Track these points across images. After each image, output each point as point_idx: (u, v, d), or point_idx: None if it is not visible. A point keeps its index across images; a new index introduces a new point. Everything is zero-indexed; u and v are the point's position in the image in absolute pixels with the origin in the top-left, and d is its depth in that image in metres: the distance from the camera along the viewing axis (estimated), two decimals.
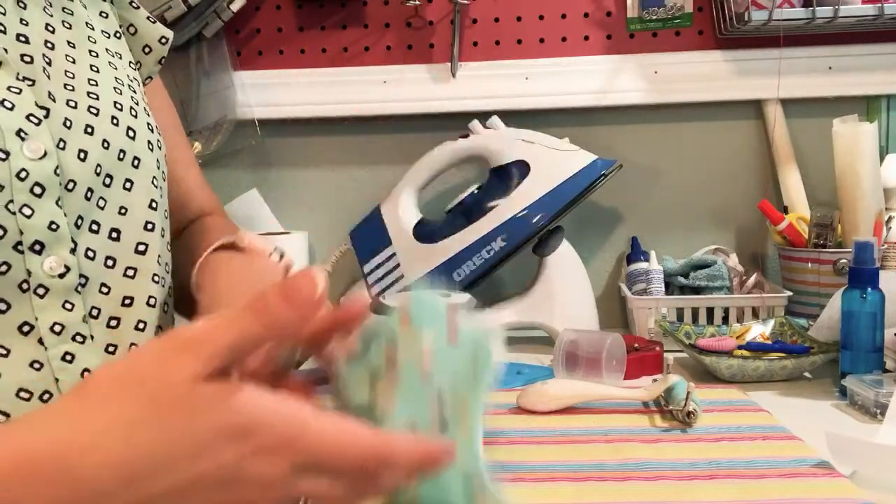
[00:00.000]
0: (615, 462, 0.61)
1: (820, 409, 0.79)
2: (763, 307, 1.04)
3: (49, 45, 0.60)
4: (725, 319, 1.05)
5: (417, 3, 1.19)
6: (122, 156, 0.61)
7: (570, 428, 0.69)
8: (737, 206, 1.23)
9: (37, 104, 0.56)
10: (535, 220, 1.02)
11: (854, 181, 1.04)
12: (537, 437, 0.67)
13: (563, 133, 1.10)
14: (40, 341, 0.56)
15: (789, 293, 1.06)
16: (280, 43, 1.23)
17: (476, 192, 1.07)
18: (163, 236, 0.66)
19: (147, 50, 0.73)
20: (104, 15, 0.68)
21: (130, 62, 0.70)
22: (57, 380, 0.56)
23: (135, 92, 0.67)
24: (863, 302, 0.81)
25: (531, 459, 0.62)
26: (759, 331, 0.97)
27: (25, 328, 0.55)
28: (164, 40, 0.74)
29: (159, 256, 0.65)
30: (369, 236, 1.10)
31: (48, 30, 0.61)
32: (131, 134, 0.63)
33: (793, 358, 0.87)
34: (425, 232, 1.08)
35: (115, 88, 0.63)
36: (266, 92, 1.22)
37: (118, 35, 0.69)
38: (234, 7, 1.15)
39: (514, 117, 1.13)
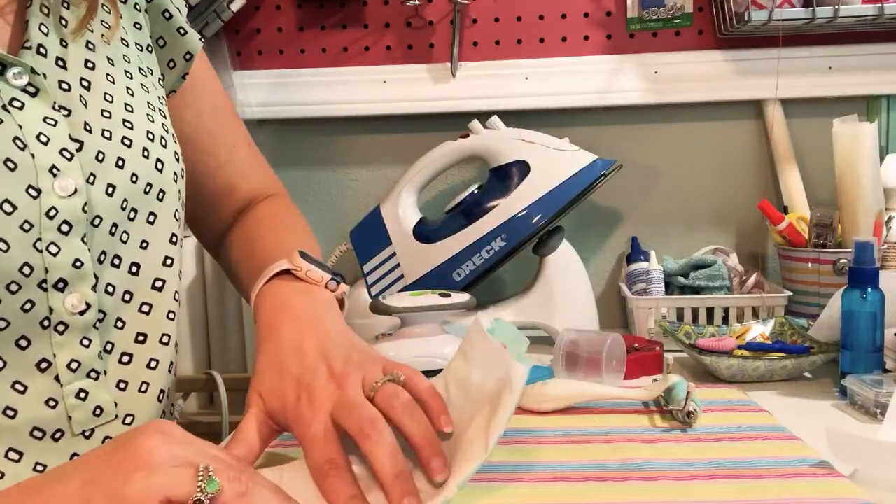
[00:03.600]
0: (615, 462, 0.61)
1: (820, 409, 0.79)
2: (763, 307, 1.04)
3: (90, 65, 0.59)
4: (725, 319, 1.05)
5: (417, 3, 1.19)
6: (148, 189, 0.60)
7: (570, 428, 0.69)
8: (737, 206, 1.23)
9: (70, 137, 0.55)
10: (535, 220, 1.02)
11: (854, 181, 1.04)
12: (537, 437, 0.67)
13: (563, 133, 1.10)
14: (56, 378, 0.55)
15: (789, 293, 1.06)
16: (280, 43, 1.23)
17: (476, 192, 1.07)
18: (179, 272, 0.66)
19: (171, 65, 0.71)
20: (138, 26, 0.66)
21: (159, 78, 0.69)
22: (70, 417, 0.56)
23: (165, 117, 0.65)
24: (863, 302, 0.81)
25: (531, 459, 0.62)
26: (759, 331, 0.97)
27: (43, 365, 0.54)
28: (188, 56, 0.71)
29: (175, 293, 0.64)
30: (369, 236, 1.10)
31: (88, 48, 0.59)
32: (160, 166, 0.62)
33: (793, 358, 0.87)
34: (425, 232, 1.08)
35: (148, 115, 0.62)
36: (266, 92, 1.22)
37: (150, 49, 0.68)
38: (234, 7, 1.16)
39: (514, 117, 1.13)
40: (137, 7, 0.67)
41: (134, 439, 0.43)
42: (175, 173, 0.64)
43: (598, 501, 0.54)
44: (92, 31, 0.60)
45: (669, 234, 1.24)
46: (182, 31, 0.71)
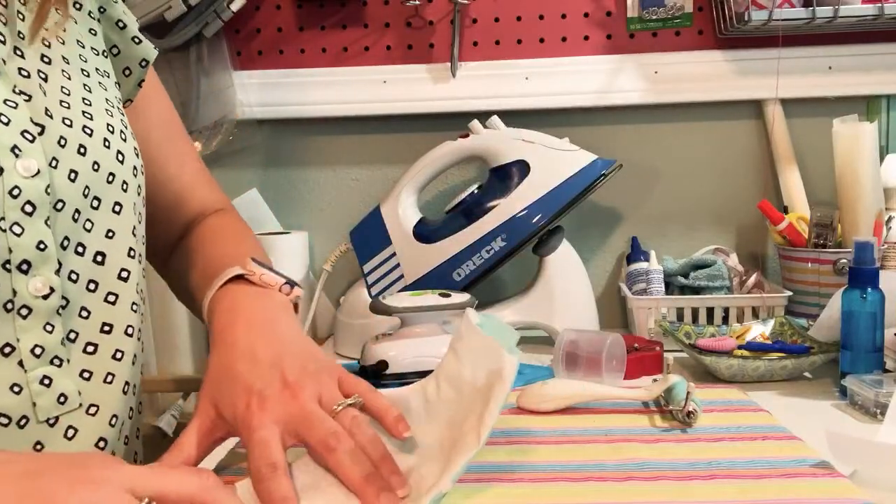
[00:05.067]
0: (615, 462, 0.61)
1: (820, 409, 0.79)
2: (763, 307, 1.04)
3: (46, 59, 0.59)
4: (725, 319, 1.05)
5: (417, 3, 1.19)
6: (111, 179, 0.60)
7: (570, 428, 0.69)
8: (737, 206, 1.23)
9: (32, 120, 0.55)
10: (535, 220, 1.02)
11: (854, 181, 1.04)
12: (537, 437, 0.67)
13: (563, 133, 1.10)
14: (20, 364, 0.55)
15: (789, 293, 1.06)
16: (280, 43, 1.23)
17: (476, 192, 1.07)
18: (140, 263, 0.66)
19: (127, 72, 0.71)
20: (93, 32, 0.67)
21: (117, 82, 0.69)
22: (34, 404, 0.55)
23: (123, 115, 0.66)
24: (863, 302, 0.81)
25: (531, 459, 0.62)
26: (759, 331, 0.97)
27: (7, 349, 0.54)
28: (143, 63, 0.72)
29: (137, 284, 0.64)
30: (369, 236, 1.10)
31: (44, 44, 0.60)
32: (120, 158, 0.62)
33: (793, 358, 0.87)
34: (425, 232, 1.08)
35: (107, 110, 0.62)
36: (266, 92, 1.22)
37: (105, 54, 0.68)
38: (234, 7, 1.16)
39: (514, 117, 1.13)
40: (92, 15, 0.67)
41: (92, 462, 0.45)
42: (135, 167, 0.64)
43: (598, 501, 0.54)
44: (47, 30, 0.60)
45: (669, 234, 1.24)
46: (137, 40, 0.71)
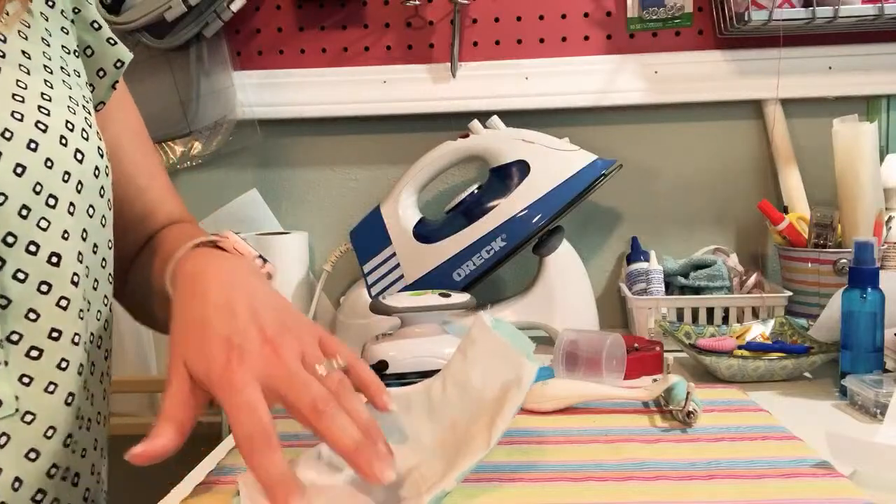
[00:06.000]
0: (615, 462, 0.61)
1: (820, 409, 0.79)
2: (763, 307, 1.04)
3: (0, 53, 0.58)
4: (725, 319, 1.05)
5: (417, 3, 1.19)
6: (66, 178, 0.58)
7: (570, 428, 0.69)
8: (737, 206, 1.23)
9: None
10: (535, 220, 1.02)
11: (854, 181, 1.04)
12: (537, 437, 0.67)
13: (563, 133, 1.10)
14: None
15: (789, 293, 1.06)
16: (280, 43, 1.23)
17: (476, 192, 1.07)
18: (105, 268, 0.63)
19: (101, 73, 0.70)
20: (65, 31, 0.66)
21: (88, 84, 0.67)
22: None
23: (89, 113, 0.64)
24: (863, 302, 0.81)
25: (531, 459, 0.62)
26: (759, 331, 0.97)
27: None
28: (119, 64, 0.70)
29: (85, 291, 0.61)
30: (369, 236, 1.10)
31: (1, 39, 0.58)
32: (79, 157, 0.59)
33: (793, 358, 0.87)
34: (425, 232, 1.08)
35: (69, 108, 0.60)
36: (266, 92, 1.22)
37: (76, 54, 0.67)
38: (234, 7, 1.16)
39: (514, 117, 1.13)
40: (65, 14, 0.66)
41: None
42: (98, 168, 0.62)
43: (598, 501, 0.54)
44: (4, 23, 0.59)
45: (669, 234, 1.24)
46: (112, 42, 0.70)
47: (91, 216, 0.62)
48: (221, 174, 1.27)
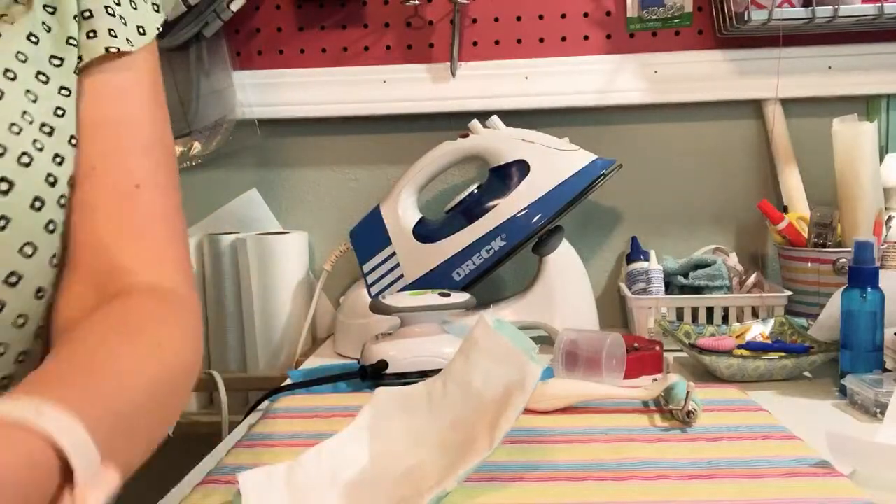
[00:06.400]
0: (615, 462, 0.61)
1: (820, 409, 0.79)
2: (763, 307, 1.04)
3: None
4: (725, 319, 1.05)
5: (417, 3, 1.19)
6: (6, 188, 0.52)
7: (570, 428, 0.69)
8: (737, 206, 1.23)
9: None
10: (534, 220, 1.02)
11: (854, 181, 1.04)
12: (537, 437, 0.67)
13: (563, 133, 1.10)
14: None
15: (789, 293, 1.06)
16: (280, 43, 1.23)
17: (476, 191, 1.07)
18: (40, 300, 0.56)
19: (92, 35, 0.60)
20: (47, 28, 0.59)
21: (62, 88, 0.58)
22: None
23: (63, 111, 0.57)
24: (863, 301, 0.81)
25: (531, 459, 0.62)
26: (758, 330, 0.97)
27: None
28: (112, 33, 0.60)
29: (16, 317, 0.55)
30: (369, 236, 1.10)
31: None
32: (25, 160, 0.53)
33: (793, 358, 0.87)
34: (425, 232, 1.08)
35: (28, 96, 0.55)
36: (266, 92, 1.22)
37: (56, 63, 0.58)
38: (234, 7, 1.16)
39: (514, 117, 1.13)
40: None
41: None
42: (50, 174, 0.55)
43: (598, 501, 0.54)
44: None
45: (669, 234, 1.24)
46: (92, 35, 0.61)
47: (31, 230, 0.55)
48: (221, 174, 1.27)
